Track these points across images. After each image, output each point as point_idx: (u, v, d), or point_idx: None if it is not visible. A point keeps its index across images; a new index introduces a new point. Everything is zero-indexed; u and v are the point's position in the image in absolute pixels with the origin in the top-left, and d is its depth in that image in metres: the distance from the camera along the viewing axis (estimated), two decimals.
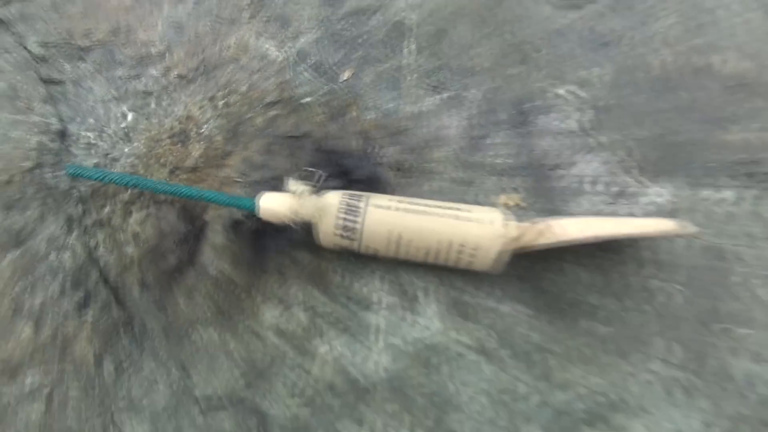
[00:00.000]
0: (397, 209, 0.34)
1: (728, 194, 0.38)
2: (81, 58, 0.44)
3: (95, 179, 0.37)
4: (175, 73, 0.43)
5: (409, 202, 0.35)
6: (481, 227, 0.33)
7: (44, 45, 0.45)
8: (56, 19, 0.45)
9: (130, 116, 0.41)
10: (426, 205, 0.35)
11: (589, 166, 0.40)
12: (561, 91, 0.42)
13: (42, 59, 0.44)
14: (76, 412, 0.33)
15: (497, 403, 0.32)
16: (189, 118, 0.40)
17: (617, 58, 0.44)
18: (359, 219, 0.33)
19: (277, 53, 0.43)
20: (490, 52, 0.44)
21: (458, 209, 0.34)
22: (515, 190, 0.39)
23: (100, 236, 0.36)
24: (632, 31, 0.45)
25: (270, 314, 0.34)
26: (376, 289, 0.35)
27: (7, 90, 0.43)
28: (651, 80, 0.43)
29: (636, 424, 0.32)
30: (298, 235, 0.36)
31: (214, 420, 0.32)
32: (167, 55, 0.43)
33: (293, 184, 0.35)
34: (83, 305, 0.34)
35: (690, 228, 0.36)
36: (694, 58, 0.44)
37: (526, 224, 0.34)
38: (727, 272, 0.36)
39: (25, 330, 0.35)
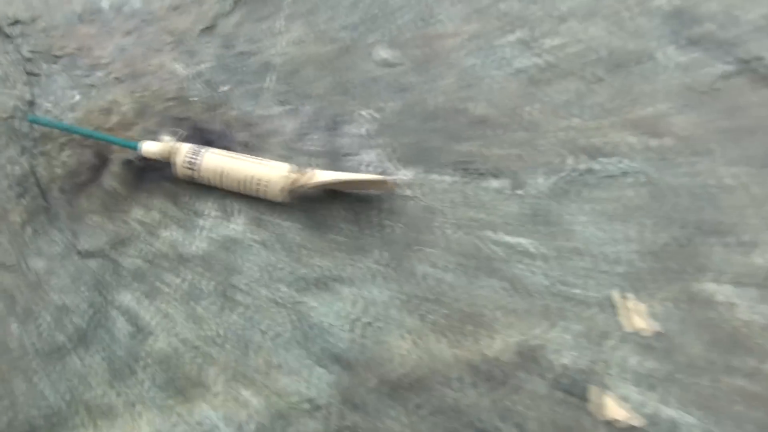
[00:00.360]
0: (222, 155, 0.55)
1: (447, 179, 0.60)
2: (54, 62, 0.67)
3: (45, 125, 0.58)
4: (113, 75, 0.65)
5: (232, 154, 0.56)
6: (272, 170, 0.55)
7: (32, 52, 0.68)
8: (43, 37, 0.69)
9: (77, 97, 0.63)
10: (242, 156, 0.56)
11: (367, 155, 0.62)
12: (363, 113, 0.65)
13: (29, 60, 0.67)
14: (4, 250, 0.52)
15: (264, 270, 0.52)
16: (114, 101, 0.63)
17: (407, 98, 0.67)
18: (199, 159, 0.55)
19: (182, 71, 0.66)
20: (324, 86, 0.67)
21: (261, 160, 0.56)
22: (318, 165, 0.61)
23: (41, 160, 0.57)
24: (424, 84, 0.69)
25: (136, 212, 0.54)
26: (208, 207, 0.56)
27: (2, 75, 0.66)
28: (424, 112, 0.66)
29: (346, 290, 0.52)
30: (166, 173, 0.57)
31: (86, 263, 0.51)
32: (110, 65, 0.66)
33: (163, 137, 0.56)
34: (21, 195, 0.54)
35: (394, 183, 0.58)
36: (457, 103, 0.67)
37: (300, 172, 0.55)
38: (432, 220, 0.57)
39: None
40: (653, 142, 0.68)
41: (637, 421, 0.50)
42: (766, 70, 0.80)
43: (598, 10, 0.84)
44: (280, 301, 0.51)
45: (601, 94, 0.74)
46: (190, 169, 0.55)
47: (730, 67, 0.80)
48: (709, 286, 0.59)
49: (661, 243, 0.61)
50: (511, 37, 0.78)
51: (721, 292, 0.59)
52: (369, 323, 0.52)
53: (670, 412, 0.51)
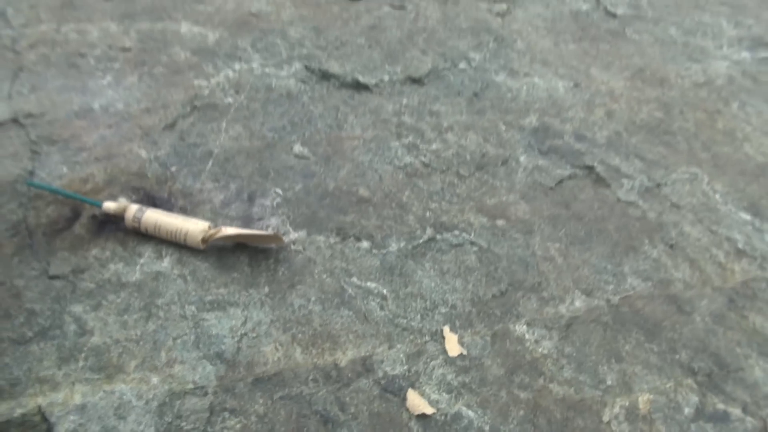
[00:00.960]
0: (159, 213, 0.77)
1: (328, 240, 0.82)
2: (52, 145, 0.90)
3: (38, 187, 0.80)
4: (93, 156, 0.89)
5: (167, 213, 0.78)
6: (194, 225, 0.76)
7: (38, 137, 0.92)
8: (47, 126, 0.93)
9: (65, 170, 0.86)
10: (174, 215, 0.78)
11: (272, 221, 0.84)
12: (275, 191, 0.88)
13: (34, 142, 0.91)
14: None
15: (179, 295, 0.72)
16: (91, 174, 0.86)
17: (310, 181, 0.90)
18: (142, 215, 0.77)
19: (145, 155, 0.90)
20: (249, 170, 0.91)
21: (188, 218, 0.78)
22: (234, 226, 0.82)
23: (32, 212, 0.79)
24: (325, 172, 0.92)
25: (94, 251, 0.75)
26: (146, 250, 0.77)
27: (12, 152, 0.89)
28: (321, 192, 0.89)
29: (237, 312, 0.72)
30: (120, 225, 0.79)
31: (53, 283, 0.71)
32: (92, 149, 0.90)
33: (120, 199, 0.78)
34: (13, 235, 0.75)
35: (283, 239, 0.79)
36: (348, 187, 0.90)
37: (215, 228, 0.77)
38: (310, 268, 0.78)
39: None
40: (491, 223, 0.90)
41: (429, 410, 0.68)
42: (603, 173, 1.04)
43: (476, 124, 1.09)
44: (187, 316, 0.71)
45: (464, 187, 0.97)
46: (136, 222, 0.76)
47: (574, 171, 1.04)
48: (521, 328, 0.79)
49: (486, 294, 0.81)
50: (402, 142, 1.03)
51: (530, 332, 0.78)
52: (250, 336, 0.71)
53: (458, 407, 0.69)
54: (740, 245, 0.94)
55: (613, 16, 1.53)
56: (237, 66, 1.10)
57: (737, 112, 1.28)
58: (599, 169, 1.05)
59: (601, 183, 1.02)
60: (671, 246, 0.91)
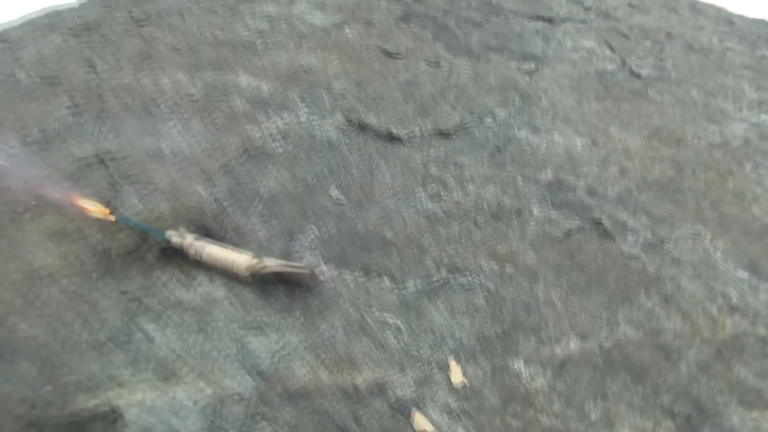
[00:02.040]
0: (214, 246, 0.92)
1: (354, 275, 0.95)
2: (129, 182, 1.07)
3: (121, 221, 0.96)
4: (161, 193, 1.05)
5: (220, 246, 0.92)
6: (241, 257, 0.90)
7: (118, 174, 1.08)
8: (125, 165, 1.10)
9: (139, 205, 1.02)
10: (227, 247, 0.92)
11: (307, 256, 0.97)
12: (311, 230, 1.02)
13: (115, 179, 1.07)
14: (81, 287, 0.88)
15: (226, 316, 0.86)
16: (158, 208, 1.01)
17: (343, 223, 1.03)
18: (199, 246, 0.91)
19: (203, 193, 1.05)
20: (290, 210, 1.05)
21: (237, 250, 0.92)
22: (274, 257, 0.96)
23: (114, 241, 0.95)
24: (356, 215, 1.05)
25: (158, 273, 0.90)
26: (201, 276, 0.91)
27: (97, 189, 1.06)
28: (351, 234, 1.02)
29: (273, 334, 0.85)
30: (181, 253, 0.93)
31: (124, 297, 0.86)
32: (161, 186, 1.06)
33: (182, 231, 0.93)
34: (96, 258, 0.91)
35: (317, 273, 0.92)
36: (376, 229, 1.03)
37: (257, 261, 0.91)
38: (337, 299, 0.91)
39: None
40: (501, 268, 1.01)
41: (430, 429, 0.78)
42: (610, 227, 1.14)
43: (496, 177, 1.21)
44: (233, 335, 0.84)
45: (480, 234, 1.09)
46: (193, 251, 0.91)
47: (583, 224, 1.14)
48: (519, 364, 0.89)
49: (490, 332, 0.92)
50: (426, 190, 1.15)
51: (527, 368, 0.88)
52: (283, 355, 0.84)
53: (456, 430, 0.79)
54: (734, 301, 1.02)
55: (638, 76, 1.63)
56: (286, 116, 1.25)
57: (749, 173, 1.36)
58: (606, 223, 1.15)
59: (606, 236, 1.12)
60: (666, 298, 1.00)
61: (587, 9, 1.84)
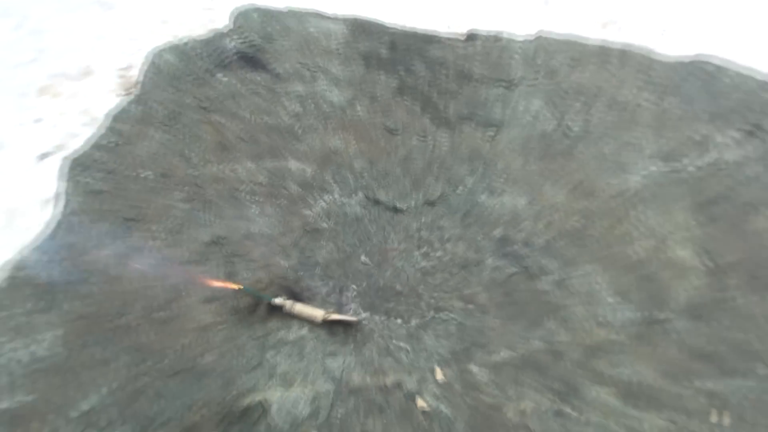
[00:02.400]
0: (300, 305, 1.59)
1: (377, 318, 1.64)
2: (232, 261, 1.72)
3: (247, 291, 1.63)
4: (259, 266, 1.70)
5: (303, 304, 1.60)
6: (317, 312, 1.58)
7: (231, 254, 1.73)
8: (235, 245, 1.74)
9: (245, 276, 1.68)
10: (308, 305, 1.60)
11: (351, 306, 1.65)
12: (353, 287, 1.69)
13: (230, 259, 1.72)
14: (217, 338, 1.56)
15: (305, 349, 1.55)
16: (260, 278, 1.67)
17: (372, 281, 1.71)
18: (289, 305, 1.59)
19: (284, 264, 1.71)
20: (339, 274, 1.72)
21: (313, 307, 1.60)
22: (334, 309, 1.64)
23: (242, 304, 1.61)
24: (382, 272, 1.73)
25: (269, 324, 1.58)
26: (294, 325, 1.59)
27: (218, 272, 1.71)
28: (379, 291, 1.70)
29: (339, 358, 1.55)
30: (281, 311, 1.60)
31: (248, 341, 1.54)
32: (258, 261, 1.71)
33: (280, 297, 1.60)
34: (232, 313, 1.58)
35: (357, 320, 1.61)
36: (394, 285, 1.72)
37: (326, 313, 1.58)
38: (371, 338, 1.60)
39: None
40: (465, 306, 1.70)
41: (426, 406, 1.49)
42: (535, 271, 1.81)
43: (465, 236, 1.88)
44: (318, 359, 1.53)
45: (453, 281, 1.77)
46: (288, 308, 1.58)
47: (518, 270, 1.82)
48: (474, 367, 1.59)
49: (458, 348, 1.62)
50: (420, 251, 1.82)
51: (478, 369, 1.59)
52: (345, 369, 1.53)
53: (442, 407, 1.50)
54: (603, 319, 1.73)
55: (569, 135, 2.28)
56: (326, 197, 1.89)
57: (633, 218, 2.04)
58: (533, 268, 1.83)
59: (531, 278, 1.81)
60: (562, 320, 1.70)
61: (537, 70, 2.43)
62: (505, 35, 2.47)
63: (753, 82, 2.50)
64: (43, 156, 3.30)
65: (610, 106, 2.35)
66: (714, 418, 1.58)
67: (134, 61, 4.28)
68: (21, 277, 1.53)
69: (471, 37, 2.48)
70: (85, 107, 3.86)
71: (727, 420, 1.58)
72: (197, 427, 1.36)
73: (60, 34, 4.67)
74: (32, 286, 1.52)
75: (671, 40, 3.68)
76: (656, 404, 1.58)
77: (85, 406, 1.36)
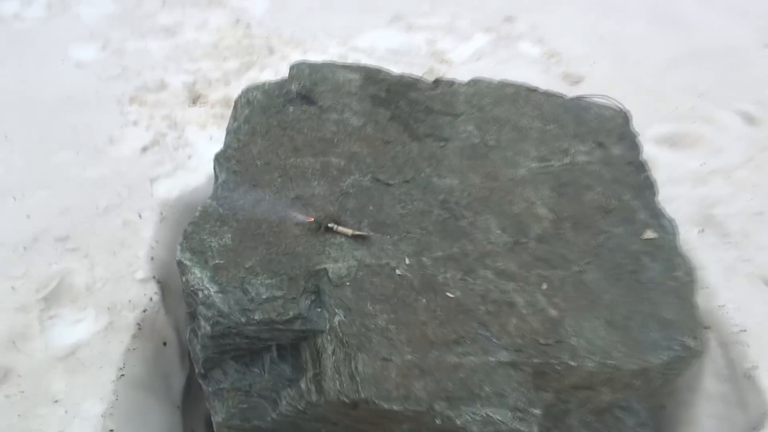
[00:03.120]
0: (342, 228, 3.29)
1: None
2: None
3: None
4: None
5: (343, 227, 3.29)
6: (348, 231, 3.28)
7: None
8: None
9: None
10: (345, 227, 3.29)
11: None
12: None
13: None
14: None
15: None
16: None
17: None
18: (336, 227, 3.29)
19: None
20: None
21: (348, 228, 3.29)
22: None
23: (311, 227, 3.29)
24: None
25: (325, 235, 3.27)
26: (338, 237, 3.29)
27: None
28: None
29: None
30: (331, 230, 3.29)
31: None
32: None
33: (332, 224, 3.29)
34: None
35: (367, 234, 3.32)
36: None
37: (354, 231, 3.28)
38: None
39: None
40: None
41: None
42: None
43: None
44: (344, 251, 3.21)
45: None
46: (335, 229, 3.28)
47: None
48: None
49: None
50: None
51: (428, 261, 3.27)
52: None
53: (407, 274, 3.19)
54: (493, 241, 3.46)
55: (487, 146, 4.00)
56: (351, 177, 3.58)
57: (517, 193, 3.76)
58: (458, 215, 3.55)
59: (457, 219, 3.53)
60: (471, 240, 3.42)
61: (472, 106, 4.19)
62: (456, 82, 4.21)
63: (608, 112, 4.26)
64: (144, 149, 5.02)
65: (513, 129, 4.08)
66: (544, 287, 3.28)
67: (197, 78, 6.04)
68: (207, 211, 3.23)
69: (435, 82, 4.22)
70: (166, 113, 5.59)
71: (545, 286, 3.29)
72: (296, 278, 3.04)
73: (138, 55, 6.49)
74: (213, 215, 3.22)
75: (569, 87, 5.52)
76: (514, 279, 3.28)
77: (248, 264, 3.04)
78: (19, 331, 3.46)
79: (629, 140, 4.09)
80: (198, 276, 2.86)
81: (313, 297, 2.88)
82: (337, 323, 2.79)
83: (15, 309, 3.57)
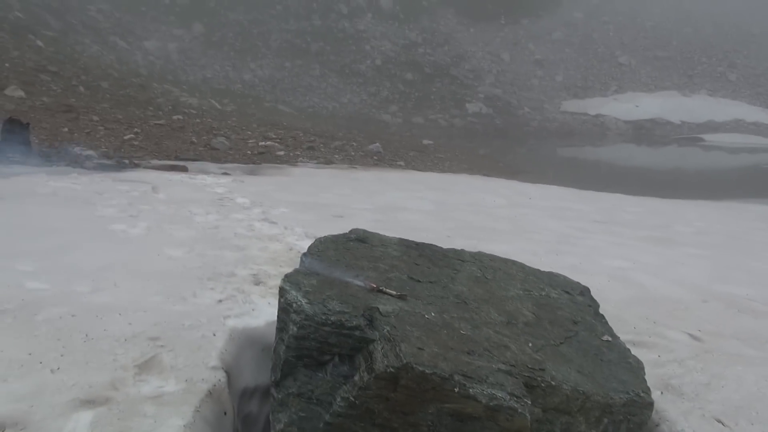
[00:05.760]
0: (388, 289, 4.77)
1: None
2: None
3: None
4: None
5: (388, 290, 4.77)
6: (391, 291, 4.76)
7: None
8: None
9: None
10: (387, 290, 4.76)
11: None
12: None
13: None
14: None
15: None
16: None
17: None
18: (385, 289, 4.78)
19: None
20: None
21: (390, 292, 4.77)
22: None
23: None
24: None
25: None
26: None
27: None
28: None
29: None
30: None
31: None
32: None
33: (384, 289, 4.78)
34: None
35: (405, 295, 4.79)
36: None
37: (398, 294, 4.74)
38: None
39: None
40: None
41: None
42: None
43: None
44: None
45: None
46: (386, 291, 4.75)
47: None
48: None
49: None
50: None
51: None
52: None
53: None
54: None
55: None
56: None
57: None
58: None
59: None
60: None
61: (475, 258, 5.94)
62: (463, 249, 6.06)
63: (572, 282, 5.98)
64: (219, 301, 6.59)
65: (505, 274, 5.79)
66: (530, 345, 4.59)
67: (259, 272, 7.84)
68: (299, 270, 4.79)
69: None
70: (237, 287, 7.24)
71: (531, 345, 4.60)
72: (358, 307, 4.41)
73: (215, 258, 8.38)
74: (302, 272, 4.78)
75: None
76: (509, 337, 4.59)
77: (327, 294, 4.46)
78: (119, 380, 4.71)
79: (587, 297, 5.79)
80: (294, 294, 4.33)
81: (368, 321, 4.28)
82: (385, 331, 4.16)
83: (115, 369, 4.87)
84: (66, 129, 14.84)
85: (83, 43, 27.46)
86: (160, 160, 13.96)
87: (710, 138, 37.36)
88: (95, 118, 17.49)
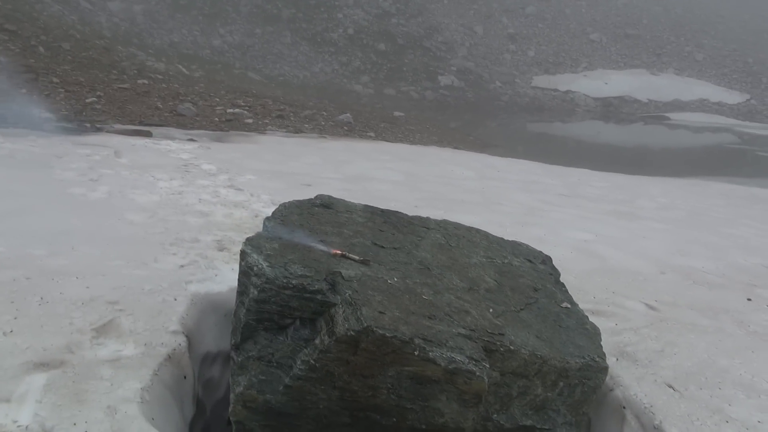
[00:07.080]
0: (351, 254, 4.75)
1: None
2: None
3: None
4: None
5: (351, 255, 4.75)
6: (354, 256, 4.74)
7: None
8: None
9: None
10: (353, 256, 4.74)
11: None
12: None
13: None
14: None
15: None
16: None
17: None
18: (348, 253, 4.76)
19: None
20: None
21: (354, 257, 4.76)
22: None
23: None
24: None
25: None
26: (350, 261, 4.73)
27: None
28: None
29: None
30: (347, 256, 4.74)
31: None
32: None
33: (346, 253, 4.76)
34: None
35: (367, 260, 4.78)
36: None
37: (359, 258, 4.73)
38: None
39: None
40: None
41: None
42: None
43: None
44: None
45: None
46: (347, 254, 4.73)
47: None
48: None
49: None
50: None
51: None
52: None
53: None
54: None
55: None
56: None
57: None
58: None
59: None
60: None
61: (440, 226, 5.94)
62: (429, 217, 6.07)
63: (534, 250, 6.03)
64: (182, 266, 6.47)
65: (468, 242, 5.82)
66: (490, 310, 4.64)
67: (224, 239, 7.77)
68: (260, 234, 4.73)
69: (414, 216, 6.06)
70: (200, 252, 7.16)
71: (491, 310, 4.66)
72: (320, 271, 4.38)
73: (178, 224, 8.25)
74: (264, 236, 4.72)
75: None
76: (470, 302, 4.63)
77: (289, 257, 4.42)
78: (75, 343, 4.62)
79: (549, 265, 5.87)
80: (255, 258, 4.28)
81: (330, 285, 4.26)
82: (347, 295, 4.14)
83: (71, 332, 4.77)
84: (24, 90, 14.24)
85: (43, 2, 26.23)
86: (123, 124, 13.57)
87: (676, 117, 38.06)
88: (55, 80, 16.83)
